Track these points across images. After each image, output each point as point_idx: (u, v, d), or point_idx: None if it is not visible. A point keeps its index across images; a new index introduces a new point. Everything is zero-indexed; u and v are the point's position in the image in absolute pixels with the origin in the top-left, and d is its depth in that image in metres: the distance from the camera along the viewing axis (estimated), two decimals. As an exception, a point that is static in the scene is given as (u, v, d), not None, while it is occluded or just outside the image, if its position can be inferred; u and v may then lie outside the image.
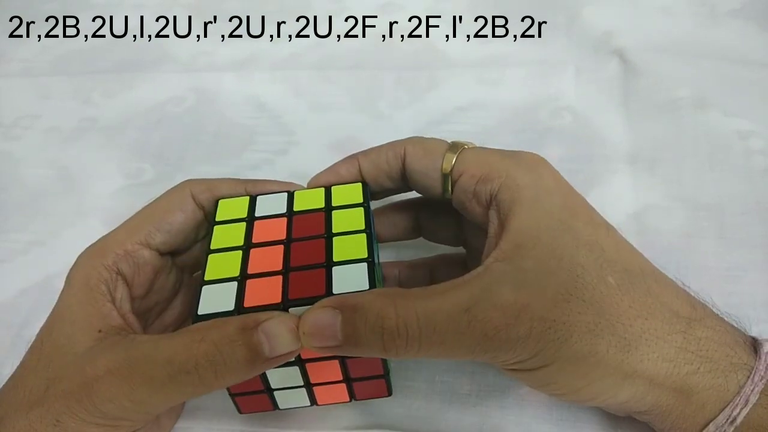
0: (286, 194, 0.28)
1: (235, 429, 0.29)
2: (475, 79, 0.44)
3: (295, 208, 0.27)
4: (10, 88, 0.48)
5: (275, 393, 0.25)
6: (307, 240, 0.25)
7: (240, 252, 0.25)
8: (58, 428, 0.22)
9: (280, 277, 0.24)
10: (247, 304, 0.23)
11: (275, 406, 0.26)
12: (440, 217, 0.30)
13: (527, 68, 0.44)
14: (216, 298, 0.23)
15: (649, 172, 0.36)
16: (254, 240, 0.25)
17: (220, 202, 0.28)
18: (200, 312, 0.23)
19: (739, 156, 0.36)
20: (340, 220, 0.26)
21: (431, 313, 0.21)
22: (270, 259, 0.24)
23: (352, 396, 0.26)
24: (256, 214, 0.27)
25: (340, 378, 0.25)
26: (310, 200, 0.27)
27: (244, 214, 0.27)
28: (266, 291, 0.23)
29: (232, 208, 0.27)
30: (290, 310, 0.23)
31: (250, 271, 0.24)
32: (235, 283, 0.24)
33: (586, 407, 0.28)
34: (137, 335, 0.24)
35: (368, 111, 0.43)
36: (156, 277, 0.27)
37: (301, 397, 0.26)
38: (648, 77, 0.41)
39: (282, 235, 0.25)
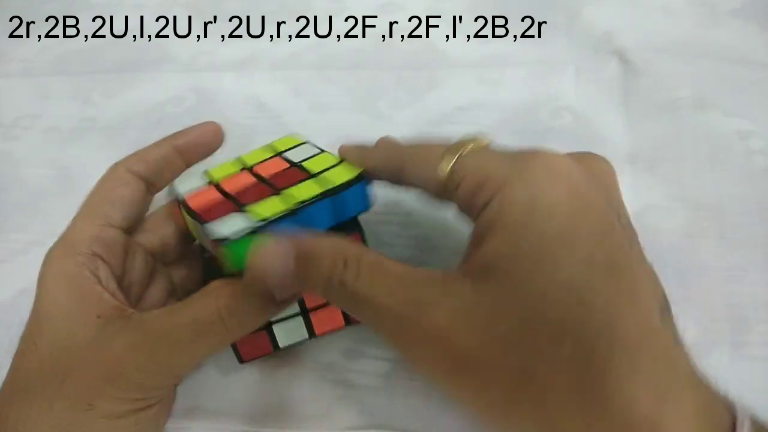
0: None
1: (235, 429, 0.29)
2: (475, 79, 0.44)
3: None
4: (9, 88, 0.48)
5: (274, 327, 0.27)
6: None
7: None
8: (92, 412, 0.22)
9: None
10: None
11: (275, 345, 0.27)
12: None
13: (527, 68, 0.44)
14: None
15: (649, 172, 0.36)
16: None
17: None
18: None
19: (740, 156, 0.36)
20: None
21: (370, 291, 0.21)
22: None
23: (347, 320, 0.28)
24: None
25: (342, 324, 0.27)
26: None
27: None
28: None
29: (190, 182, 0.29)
30: None
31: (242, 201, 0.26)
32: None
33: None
34: (142, 313, 0.24)
35: (368, 111, 0.43)
36: (126, 256, 0.28)
37: (299, 329, 0.27)
38: (648, 77, 0.41)
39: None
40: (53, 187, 0.41)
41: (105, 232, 0.27)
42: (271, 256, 0.22)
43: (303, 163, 0.28)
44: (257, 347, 0.27)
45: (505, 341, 0.19)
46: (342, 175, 0.26)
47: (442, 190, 0.23)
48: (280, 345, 0.28)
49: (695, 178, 0.35)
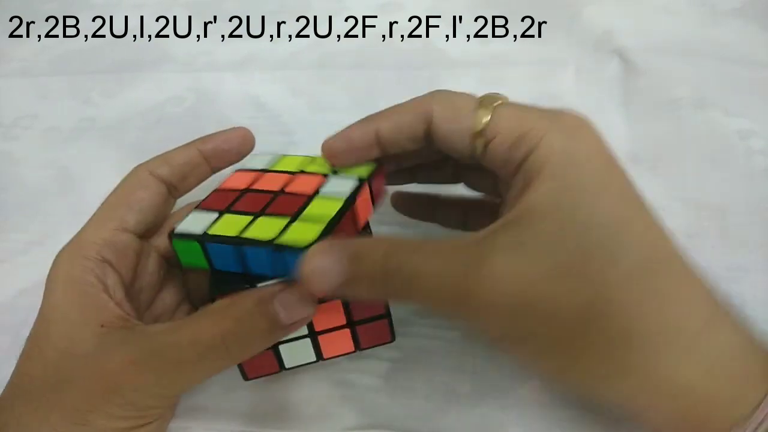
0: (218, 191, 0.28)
1: (235, 429, 0.29)
2: (475, 79, 0.44)
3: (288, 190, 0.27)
4: (9, 88, 0.48)
5: (280, 348, 0.26)
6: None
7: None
8: (87, 428, 0.22)
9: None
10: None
11: (281, 365, 0.26)
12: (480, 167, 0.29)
13: (528, 67, 0.44)
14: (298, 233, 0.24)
15: (650, 172, 0.36)
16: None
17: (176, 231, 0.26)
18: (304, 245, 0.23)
19: (740, 156, 0.36)
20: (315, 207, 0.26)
21: (423, 264, 0.21)
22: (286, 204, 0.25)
23: (357, 345, 0.27)
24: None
25: (344, 322, 0.26)
26: (307, 184, 0.27)
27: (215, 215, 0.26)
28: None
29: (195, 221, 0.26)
30: None
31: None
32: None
33: (586, 407, 0.27)
34: (146, 326, 0.24)
35: (368, 111, 0.43)
36: (138, 261, 0.27)
37: (307, 351, 0.26)
38: (648, 77, 0.41)
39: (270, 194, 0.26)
40: (53, 187, 0.41)
41: (117, 237, 0.26)
42: (323, 262, 0.22)
43: (315, 198, 0.26)
44: (263, 366, 0.27)
45: (567, 269, 0.20)
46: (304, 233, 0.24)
47: (473, 145, 0.24)
48: (287, 365, 0.27)
49: (696, 178, 0.35)
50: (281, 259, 0.22)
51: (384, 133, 0.26)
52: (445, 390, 0.29)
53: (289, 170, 0.28)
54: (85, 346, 0.23)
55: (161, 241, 0.29)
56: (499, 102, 0.24)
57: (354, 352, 0.27)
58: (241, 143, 0.29)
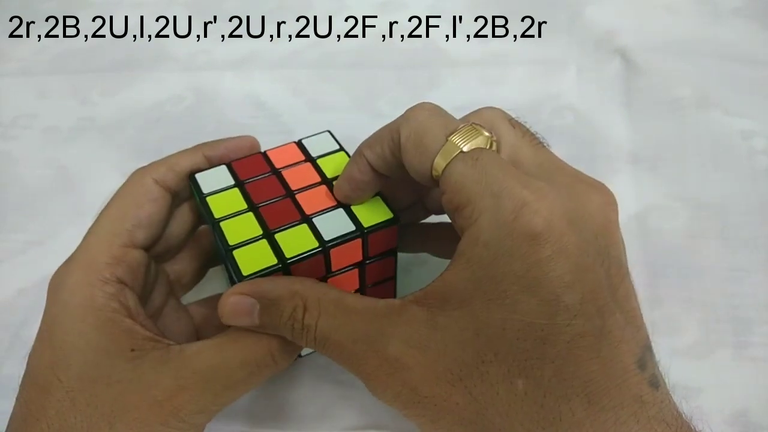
0: (259, 153, 0.28)
1: (235, 429, 0.29)
2: (475, 78, 0.44)
3: (278, 166, 0.27)
4: (9, 88, 0.48)
5: None
6: (308, 189, 0.26)
7: (250, 213, 0.25)
8: None
9: (305, 225, 0.25)
10: (289, 254, 0.23)
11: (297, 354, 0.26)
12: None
13: (528, 67, 0.44)
14: (254, 259, 0.23)
15: (652, 172, 0.36)
16: (257, 201, 0.26)
17: (195, 176, 0.27)
18: (245, 273, 0.23)
19: (742, 156, 0.36)
20: (328, 167, 0.27)
21: (332, 330, 0.22)
22: (285, 213, 0.25)
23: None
24: (242, 179, 0.27)
25: (357, 286, 0.27)
26: (286, 155, 0.28)
27: (231, 181, 0.27)
28: (297, 239, 0.24)
29: (215, 179, 0.27)
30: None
31: (271, 227, 0.25)
32: (265, 240, 0.24)
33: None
34: (180, 346, 0.23)
35: (368, 110, 0.43)
36: (148, 275, 0.26)
37: None
38: (650, 76, 0.41)
39: (282, 191, 0.26)
40: (52, 186, 0.41)
41: (129, 255, 0.25)
42: (236, 313, 0.22)
43: (305, 222, 0.25)
44: None
45: (456, 376, 0.19)
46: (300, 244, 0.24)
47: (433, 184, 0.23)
48: (302, 353, 0.27)
49: (697, 178, 0.35)
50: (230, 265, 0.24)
51: (373, 163, 0.24)
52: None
53: (325, 172, 0.27)
54: (120, 373, 0.22)
55: (159, 247, 0.28)
56: (466, 147, 0.21)
57: None
58: (248, 152, 0.29)
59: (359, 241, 0.24)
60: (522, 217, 0.19)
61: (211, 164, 0.28)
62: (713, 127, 0.37)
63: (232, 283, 0.26)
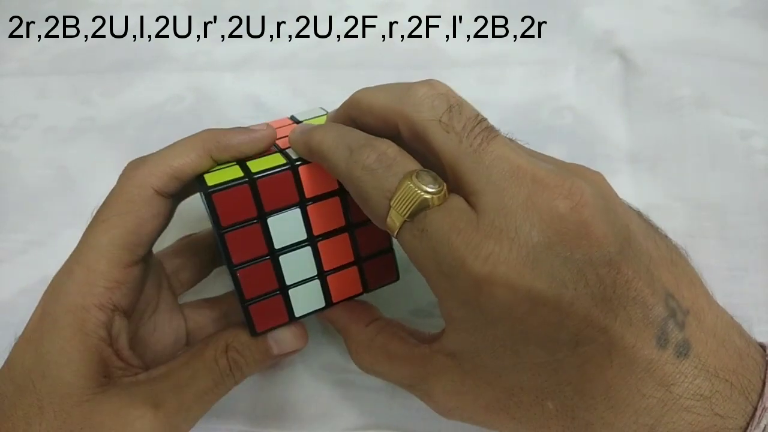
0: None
1: (234, 429, 0.29)
2: (475, 78, 0.44)
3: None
4: (9, 88, 0.48)
5: (290, 292, 0.26)
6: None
7: (236, 165, 0.25)
8: None
9: (279, 154, 0.25)
10: (254, 169, 0.24)
11: (291, 314, 0.26)
12: None
13: (528, 67, 0.44)
14: (222, 176, 0.24)
15: (650, 172, 0.36)
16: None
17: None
18: (210, 184, 0.23)
19: (741, 155, 0.36)
20: None
21: (383, 375, 0.25)
22: (267, 155, 0.25)
23: (365, 285, 0.27)
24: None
25: (351, 259, 0.26)
26: (281, 126, 0.28)
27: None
28: (270, 162, 0.24)
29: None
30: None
31: (248, 161, 0.25)
32: (237, 166, 0.25)
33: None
34: (152, 373, 0.24)
35: (368, 111, 0.43)
36: (144, 284, 0.26)
37: (316, 296, 0.26)
38: (649, 76, 0.41)
39: (272, 150, 0.26)
40: (52, 186, 0.41)
41: (129, 275, 0.24)
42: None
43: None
44: (272, 315, 0.26)
45: (496, 408, 0.21)
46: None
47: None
48: (296, 314, 0.26)
49: (696, 178, 0.35)
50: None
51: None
52: (445, 390, 0.29)
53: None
54: (89, 395, 0.22)
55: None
56: (403, 223, 0.20)
57: (362, 293, 0.27)
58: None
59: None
60: (482, 296, 0.19)
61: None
62: (712, 127, 0.37)
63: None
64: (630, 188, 0.36)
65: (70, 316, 0.23)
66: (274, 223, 0.24)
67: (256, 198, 0.24)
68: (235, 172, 0.24)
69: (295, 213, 0.25)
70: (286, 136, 0.27)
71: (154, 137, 0.43)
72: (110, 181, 0.39)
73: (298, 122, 0.28)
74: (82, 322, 0.23)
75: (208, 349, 0.25)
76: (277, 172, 0.24)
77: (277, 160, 0.25)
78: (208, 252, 0.30)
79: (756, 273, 0.31)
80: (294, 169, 0.24)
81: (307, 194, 0.24)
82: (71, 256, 0.25)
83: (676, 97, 0.39)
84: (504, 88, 0.43)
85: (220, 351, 0.25)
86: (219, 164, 0.26)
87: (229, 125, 0.44)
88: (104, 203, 0.25)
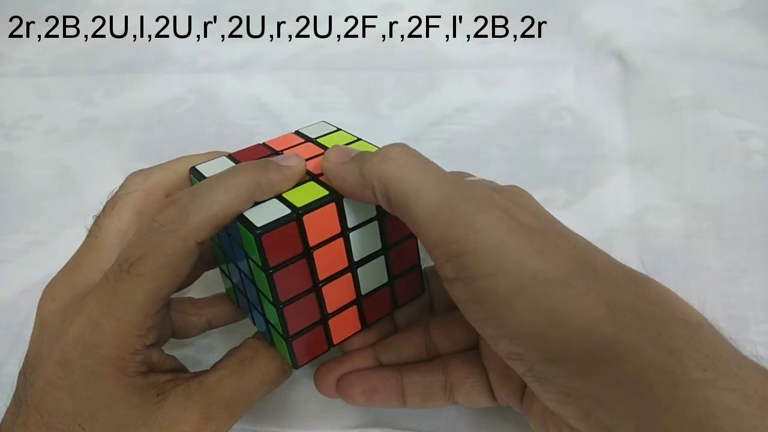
0: (258, 144, 0.27)
1: (235, 428, 0.29)
2: (475, 79, 0.44)
3: (279, 149, 0.27)
4: (10, 89, 0.48)
5: (330, 321, 0.25)
6: (314, 158, 0.25)
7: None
8: None
9: (312, 182, 0.24)
10: (300, 204, 0.22)
11: (329, 342, 0.26)
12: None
13: (527, 68, 0.44)
14: (265, 214, 0.22)
15: (649, 173, 0.36)
16: None
17: (197, 168, 0.26)
18: (260, 224, 0.21)
19: (739, 156, 0.36)
20: (331, 143, 0.26)
21: None
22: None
23: (395, 302, 0.27)
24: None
25: (386, 279, 0.26)
26: (286, 141, 0.27)
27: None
28: (310, 193, 0.23)
29: (214, 167, 0.25)
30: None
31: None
32: (276, 200, 0.23)
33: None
34: (200, 377, 0.24)
35: (368, 111, 0.43)
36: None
37: (352, 320, 0.26)
38: (648, 77, 0.41)
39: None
40: (54, 187, 0.41)
41: (161, 317, 0.23)
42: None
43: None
44: (313, 347, 0.26)
45: None
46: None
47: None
48: (334, 341, 0.26)
49: (694, 179, 0.35)
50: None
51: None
52: (444, 390, 0.29)
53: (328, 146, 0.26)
54: (146, 416, 0.22)
55: None
56: None
57: (392, 311, 0.27)
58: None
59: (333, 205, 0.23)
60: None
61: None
62: (710, 127, 0.37)
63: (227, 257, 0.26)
64: (628, 189, 0.36)
65: (108, 368, 0.22)
66: (319, 255, 0.23)
67: (302, 234, 0.23)
68: (277, 207, 0.22)
69: (338, 243, 0.24)
70: (296, 145, 0.27)
71: (156, 138, 0.43)
72: (112, 182, 0.39)
73: (309, 138, 0.27)
74: (122, 369, 0.22)
75: (259, 357, 0.25)
76: (321, 204, 0.22)
77: (313, 189, 0.23)
78: (199, 257, 0.30)
79: (754, 273, 0.31)
80: (338, 200, 0.23)
81: (350, 224, 0.24)
82: (94, 304, 0.22)
83: (674, 98, 0.39)
84: (503, 89, 0.43)
85: (273, 355, 0.25)
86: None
87: (230, 126, 0.45)
88: (143, 255, 0.22)
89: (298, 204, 0.22)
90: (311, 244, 0.23)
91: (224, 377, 0.24)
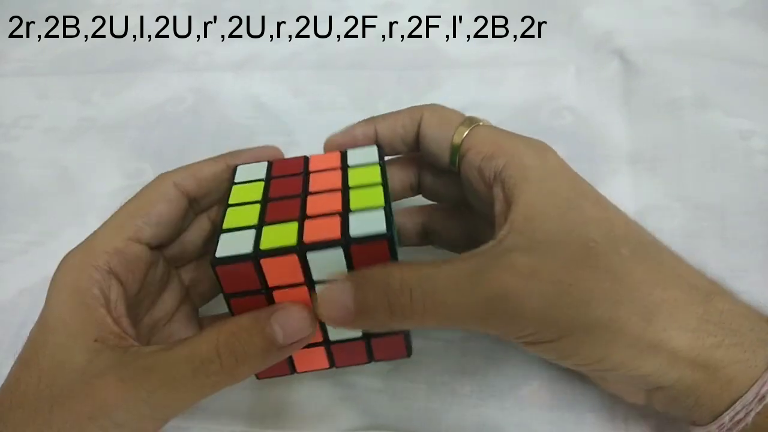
0: (303, 157, 0.28)
1: (235, 429, 0.29)
2: (475, 79, 0.44)
3: (311, 169, 0.27)
4: (9, 88, 0.48)
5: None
6: (323, 193, 0.25)
7: (258, 205, 0.25)
8: None
9: (296, 224, 0.23)
10: (263, 246, 0.23)
11: (292, 369, 0.26)
12: (442, 176, 0.30)
13: (527, 68, 0.44)
14: (234, 243, 0.23)
15: (650, 172, 0.36)
16: (271, 195, 0.26)
17: (237, 168, 0.28)
18: (218, 255, 0.22)
19: (741, 156, 0.36)
20: (356, 177, 0.26)
21: (434, 274, 0.22)
22: (287, 209, 0.25)
23: (371, 356, 0.26)
24: (273, 175, 0.27)
25: (359, 335, 0.25)
26: (325, 161, 0.28)
27: (262, 176, 0.27)
28: (282, 235, 0.23)
29: (250, 172, 0.27)
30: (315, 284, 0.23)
31: (267, 219, 0.24)
32: (253, 231, 0.24)
33: (586, 408, 0.28)
34: (141, 347, 0.23)
35: (368, 111, 0.43)
36: (147, 273, 0.26)
37: (319, 359, 0.26)
38: (649, 77, 0.41)
39: (298, 190, 0.26)
40: (53, 187, 0.41)
41: (130, 248, 0.25)
42: (331, 304, 0.22)
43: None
44: (274, 367, 0.25)
45: (580, 260, 0.22)
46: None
47: (451, 153, 0.27)
48: (298, 370, 0.26)
49: (696, 178, 0.35)
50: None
51: (381, 132, 0.28)
52: (445, 390, 0.29)
53: (349, 181, 0.26)
54: (78, 360, 0.22)
55: (175, 250, 0.28)
56: (481, 123, 0.27)
57: (367, 362, 0.27)
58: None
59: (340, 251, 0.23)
60: (548, 150, 0.26)
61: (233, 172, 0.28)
62: (712, 127, 0.37)
63: None
64: (629, 188, 0.36)
65: (66, 277, 0.24)
66: (281, 296, 0.24)
67: (260, 274, 0.23)
68: (246, 241, 0.23)
69: (302, 290, 0.24)
70: (328, 169, 0.27)
71: (155, 138, 0.43)
72: (111, 182, 0.39)
73: (344, 165, 0.27)
74: (76, 280, 0.24)
75: (205, 331, 0.23)
76: (283, 253, 0.23)
77: (289, 233, 0.23)
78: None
79: (755, 273, 0.31)
80: (300, 253, 0.23)
81: (315, 277, 0.23)
82: None
83: (676, 98, 0.39)
84: (504, 89, 0.43)
85: (214, 332, 0.22)
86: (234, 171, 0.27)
87: (230, 126, 0.45)
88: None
89: (264, 245, 0.23)
90: (270, 285, 0.23)
91: (156, 348, 0.22)
